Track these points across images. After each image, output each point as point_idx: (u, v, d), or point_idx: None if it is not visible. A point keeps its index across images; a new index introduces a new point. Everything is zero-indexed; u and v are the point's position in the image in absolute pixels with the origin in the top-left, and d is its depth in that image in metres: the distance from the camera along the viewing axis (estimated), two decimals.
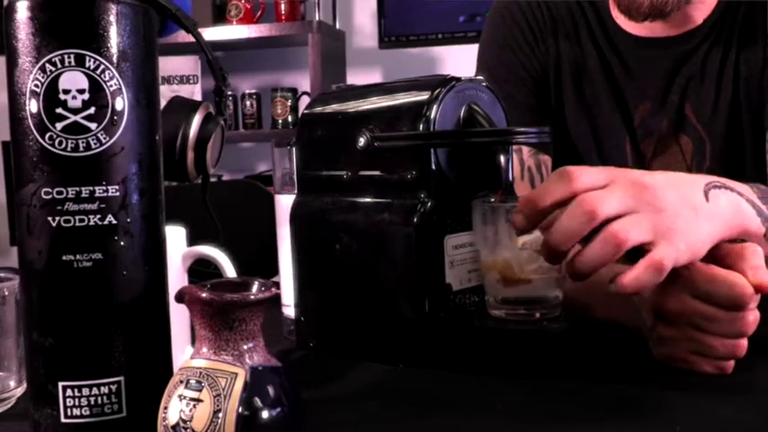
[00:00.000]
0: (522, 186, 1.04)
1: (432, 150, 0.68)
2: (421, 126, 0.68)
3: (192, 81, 2.88)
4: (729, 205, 0.66)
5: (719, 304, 0.62)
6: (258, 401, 0.48)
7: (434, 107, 0.68)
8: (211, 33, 2.77)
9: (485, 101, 0.72)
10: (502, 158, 0.69)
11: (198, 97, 2.78)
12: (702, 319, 0.63)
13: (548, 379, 0.66)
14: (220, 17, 2.89)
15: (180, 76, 2.88)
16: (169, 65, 2.87)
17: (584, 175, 0.60)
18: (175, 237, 0.68)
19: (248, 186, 1.76)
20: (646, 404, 0.60)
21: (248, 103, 2.97)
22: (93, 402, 0.51)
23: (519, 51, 1.10)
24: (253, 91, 2.98)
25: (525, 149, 1.06)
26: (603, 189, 0.60)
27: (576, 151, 1.10)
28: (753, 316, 0.62)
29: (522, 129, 0.69)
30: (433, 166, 0.68)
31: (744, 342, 0.63)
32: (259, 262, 1.11)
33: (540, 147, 1.06)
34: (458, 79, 0.71)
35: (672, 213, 0.61)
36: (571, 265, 0.61)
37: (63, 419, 0.51)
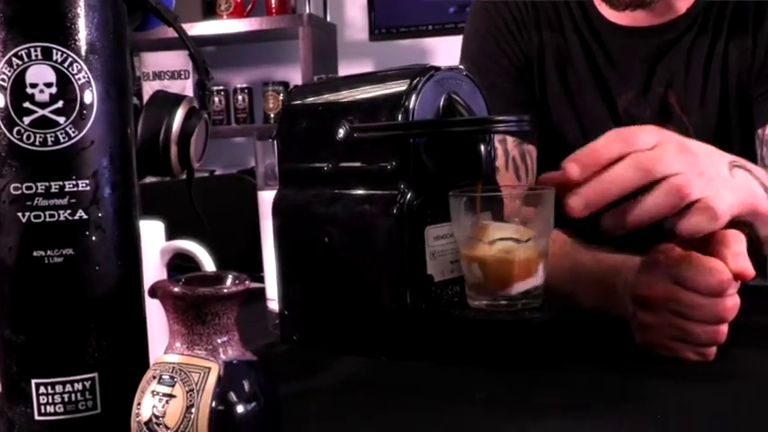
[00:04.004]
0: (507, 177, 1.03)
1: (411, 140, 0.68)
2: (400, 116, 0.68)
3: (183, 76, 2.87)
4: (745, 185, 0.69)
5: (699, 290, 0.62)
6: (232, 396, 0.47)
7: (413, 97, 0.68)
8: (201, 28, 2.76)
9: (465, 90, 0.72)
10: (482, 148, 0.69)
11: (189, 92, 2.77)
12: (682, 305, 0.63)
13: (530, 369, 0.66)
14: (210, 12, 2.88)
15: (171, 71, 2.87)
16: (160, 60, 2.86)
17: (640, 139, 0.63)
18: (153, 231, 0.68)
19: (238, 181, 1.75)
20: (628, 392, 0.60)
21: (240, 97, 2.96)
22: (66, 399, 0.51)
23: (501, 41, 1.09)
24: (244, 85, 2.97)
25: (510, 140, 1.05)
26: (655, 149, 0.62)
27: (562, 140, 1.09)
28: (732, 302, 0.62)
29: (501, 117, 0.68)
30: (413, 157, 0.68)
31: (724, 328, 0.63)
32: (249, 256, 1.11)
33: (524, 137, 1.05)
34: (437, 68, 0.70)
35: (708, 178, 0.63)
36: (622, 216, 0.62)
37: (37, 417, 0.51)
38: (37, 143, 0.50)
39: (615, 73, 1.06)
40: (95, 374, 0.51)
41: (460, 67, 0.73)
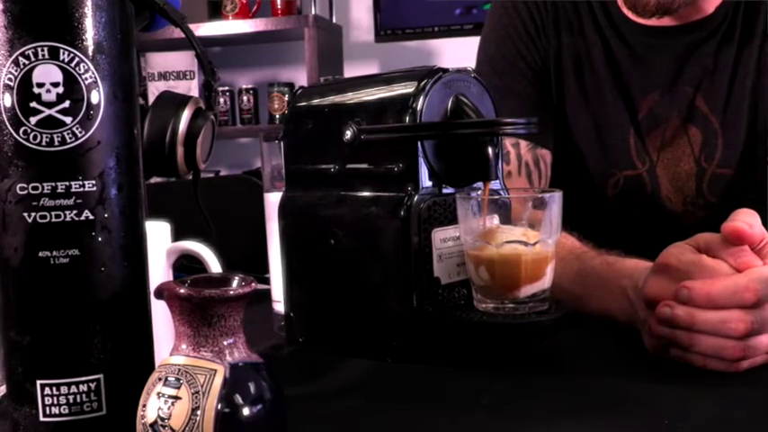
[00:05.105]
0: (519, 182, 1.01)
1: (419, 142, 0.67)
2: (407, 118, 0.68)
3: (188, 77, 2.88)
4: None
5: None
6: (238, 398, 0.47)
7: (421, 99, 0.68)
8: (207, 29, 2.76)
9: (473, 92, 0.71)
10: (490, 150, 0.68)
11: (195, 93, 2.77)
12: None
13: (536, 373, 0.66)
14: (216, 12, 2.88)
15: (176, 71, 2.87)
16: (166, 60, 2.86)
17: None
18: (159, 232, 0.67)
19: (243, 182, 1.75)
20: (634, 396, 0.59)
21: (245, 98, 2.96)
22: (71, 401, 0.50)
23: (519, 43, 1.07)
24: (249, 86, 2.97)
25: (523, 144, 1.03)
26: None
27: (577, 146, 1.07)
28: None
29: (509, 119, 0.68)
30: (421, 159, 0.68)
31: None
32: (254, 257, 1.11)
33: (538, 141, 1.03)
34: (445, 70, 0.70)
35: None
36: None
37: (42, 418, 0.51)
38: (43, 143, 0.49)
39: (639, 73, 1.03)
40: (101, 376, 0.51)
41: (468, 68, 0.73)
